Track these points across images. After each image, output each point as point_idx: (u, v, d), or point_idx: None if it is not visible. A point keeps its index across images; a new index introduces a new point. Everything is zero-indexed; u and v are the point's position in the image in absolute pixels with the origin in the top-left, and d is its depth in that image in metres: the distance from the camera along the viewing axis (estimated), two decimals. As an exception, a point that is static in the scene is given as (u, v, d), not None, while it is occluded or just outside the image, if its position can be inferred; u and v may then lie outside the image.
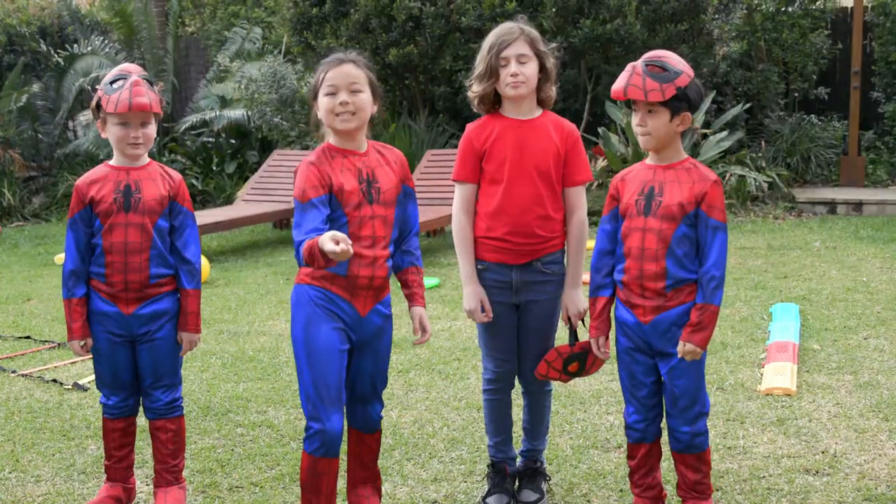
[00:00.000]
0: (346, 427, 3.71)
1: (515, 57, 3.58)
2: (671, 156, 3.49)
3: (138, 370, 3.82)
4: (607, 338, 3.65)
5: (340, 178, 3.39)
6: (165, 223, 3.75)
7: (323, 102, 3.40)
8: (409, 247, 3.63)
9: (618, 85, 3.38)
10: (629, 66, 3.40)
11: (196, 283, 3.81)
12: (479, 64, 3.66)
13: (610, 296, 3.60)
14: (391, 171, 3.53)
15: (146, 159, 3.81)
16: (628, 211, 3.49)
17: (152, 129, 3.74)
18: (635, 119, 3.43)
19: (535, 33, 3.67)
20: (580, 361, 3.76)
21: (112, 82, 3.67)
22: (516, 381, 3.92)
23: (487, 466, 3.98)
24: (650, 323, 3.47)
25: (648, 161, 3.55)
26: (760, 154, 11.89)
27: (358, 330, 3.49)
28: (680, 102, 3.37)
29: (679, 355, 3.44)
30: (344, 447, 3.80)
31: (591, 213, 10.70)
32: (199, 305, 3.85)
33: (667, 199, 3.41)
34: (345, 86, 3.38)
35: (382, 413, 3.74)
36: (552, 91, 3.72)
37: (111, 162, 3.79)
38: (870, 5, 12.92)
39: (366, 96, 3.42)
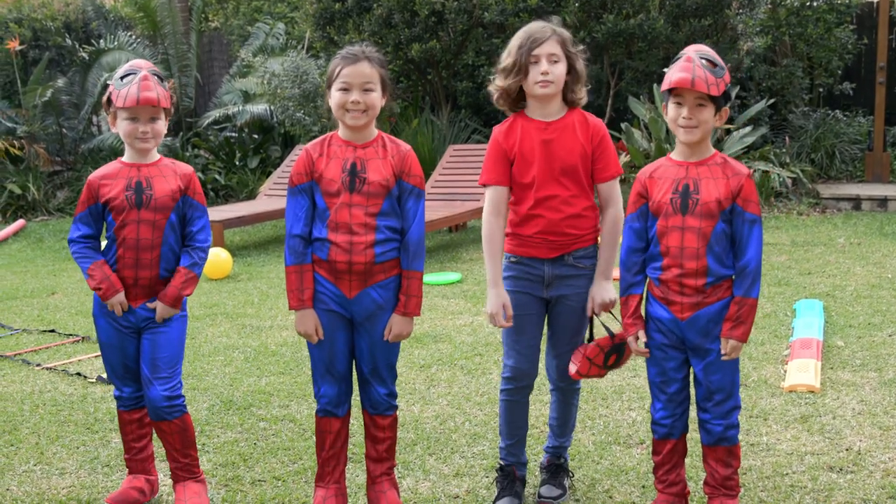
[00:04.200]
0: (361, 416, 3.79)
1: (546, 56, 3.56)
2: (703, 151, 3.47)
3: (139, 360, 3.82)
4: (645, 332, 3.60)
5: (323, 166, 3.59)
6: (178, 217, 3.79)
7: (335, 97, 3.57)
8: (407, 245, 3.63)
9: (683, 75, 3.32)
10: (686, 58, 3.36)
11: (194, 264, 3.78)
12: (507, 59, 3.64)
13: (642, 293, 3.59)
14: (385, 164, 3.59)
15: (156, 155, 3.84)
16: (662, 210, 3.45)
17: (161, 125, 3.76)
18: (682, 112, 3.38)
19: (566, 34, 3.65)
20: (619, 353, 3.73)
21: (122, 77, 3.71)
22: (535, 384, 3.89)
23: (497, 470, 3.94)
24: (688, 319, 3.45)
25: (675, 157, 3.51)
26: (784, 150, 11.83)
27: (349, 309, 3.63)
28: (723, 98, 3.38)
29: (722, 352, 3.43)
30: (361, 444, 3.82)
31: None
32: (184, 286, 3.77)
33: (704, 197, 3.39)
34: (358, 84, 3.53)
35: (395, 402, 3.78)
36: (582, 93, 3.69)
37: (123, 158, 3.83)
38: (896, 0, 12.83)
39: (376, 94, 3.58)
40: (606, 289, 3.72)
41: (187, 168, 3.87)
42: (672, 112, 3.42)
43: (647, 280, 3.59)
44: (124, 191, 3.72)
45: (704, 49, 3.42)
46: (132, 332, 3.81)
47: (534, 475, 4.07)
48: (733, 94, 11.24)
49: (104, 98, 3.80)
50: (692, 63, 3.34)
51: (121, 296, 3.76)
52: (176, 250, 3.79)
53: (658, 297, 3.52)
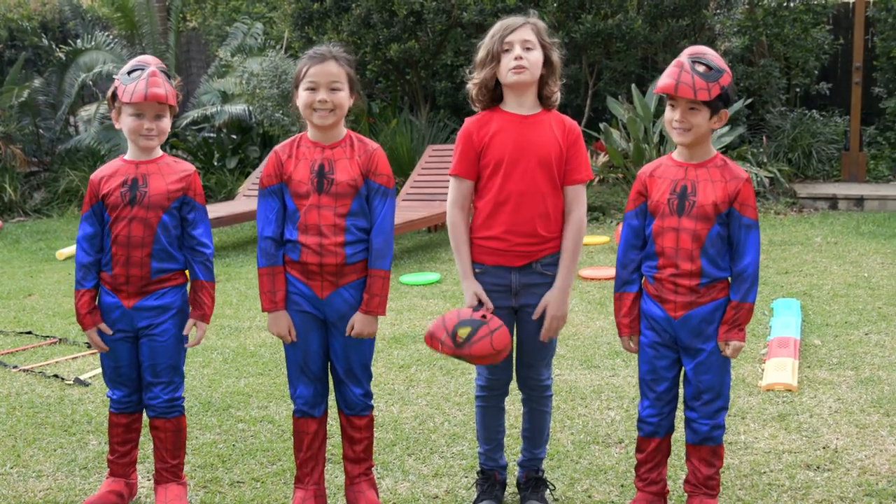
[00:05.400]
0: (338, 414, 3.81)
1: (520, 42, 3.51)
2: (703, 153, 3.47)
3: (139, 365, 3.82)
4: (638, 335, 3.61)
5: (292, 167, 3.59)
6: (173, 218, 3.74)
7: (303, 96, 3.57)
8: (372, 244, 3.61)
9: (667, 81, 3.34)
10: (676, 63, 3.37)
11: (212, 275, 3.82)
12: (481, 51, 3.61)
13: (637, 291, 3.59)
14: (353, 164, 3.58)
15: (158, 152, 3.81)
16: (659, 210, 3.46)
17: (167, 122, 3.74)
18: (674, 115, 3.39)
19: (541, 24, 3.62)
20: (473, 328, 3.47)
21: (130, 72, 3.68)
22: (509, 389, 3.85)
23: (477, 473, 3.93)
24: (680, 318, 3.46)
25: (677, 157, 3.52)
26: (762, 149, 11.88)
27: (321, 310, 3.63)
28: (720, 101, 3.37)
29: (724, 353, 3.45)
30: (340, 444, 3.81)
31: (591, 209, 10.73)
32: (213, 301, 3.86)
33: (701, 199, 3.40)
34: (325, 83, 3.53)
35: (370, 402, 3.78)
36: (556, 88, 3.63)
37: (125, 156, 3.81)
38: (872, 0, 12.90)
39: (344, 94, 3.57)
40: (563, 300, 3.60)
41: (188, 167, 3.83)
42: (667, 114, 3.45)
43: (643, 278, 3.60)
44: (120, 187, 3.70)
45: (701, 52, 3.40)
46: (126, 338, 3.78)
47: (513, 474, 4.07)
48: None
49: (108, 93, 3.76)
50: (680, 68, 3.35)
51: (91, 334, 3.76)
52: (170, 251, 3.74)
53: (652, 295, 3.53)
